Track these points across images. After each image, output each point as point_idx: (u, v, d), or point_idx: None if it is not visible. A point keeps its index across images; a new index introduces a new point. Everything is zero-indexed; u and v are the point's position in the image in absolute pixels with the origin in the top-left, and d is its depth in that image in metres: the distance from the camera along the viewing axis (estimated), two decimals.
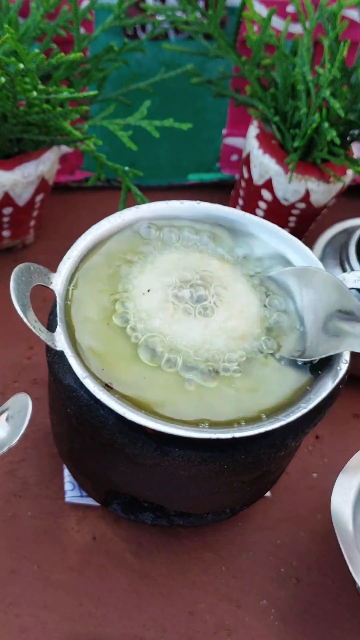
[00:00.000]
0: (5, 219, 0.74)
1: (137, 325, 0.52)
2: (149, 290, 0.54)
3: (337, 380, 0.52)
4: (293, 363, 0.53)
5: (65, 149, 0.81)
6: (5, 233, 0.76)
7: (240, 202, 0.81)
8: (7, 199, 0.71)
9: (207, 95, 0.83)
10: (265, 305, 0.55)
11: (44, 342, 0.49)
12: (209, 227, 0.59)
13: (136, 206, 0.58)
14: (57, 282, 0.53)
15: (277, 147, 0.75)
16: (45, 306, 0.55)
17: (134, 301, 0.54)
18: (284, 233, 0.59)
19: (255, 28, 0.76)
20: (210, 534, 0.63)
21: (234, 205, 0.83)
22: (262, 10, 0.76)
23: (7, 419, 0.49)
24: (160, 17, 0.76)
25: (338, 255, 0.73)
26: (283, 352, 0.54)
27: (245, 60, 0.76)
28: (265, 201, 0.77)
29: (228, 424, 0.50)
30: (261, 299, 0.56)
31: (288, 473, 0.67)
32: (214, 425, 0.50)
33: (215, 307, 0.53)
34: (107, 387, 0.49)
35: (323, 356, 0.53)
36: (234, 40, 0.78)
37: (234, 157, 0.87)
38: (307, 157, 0.74)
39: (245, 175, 0.78)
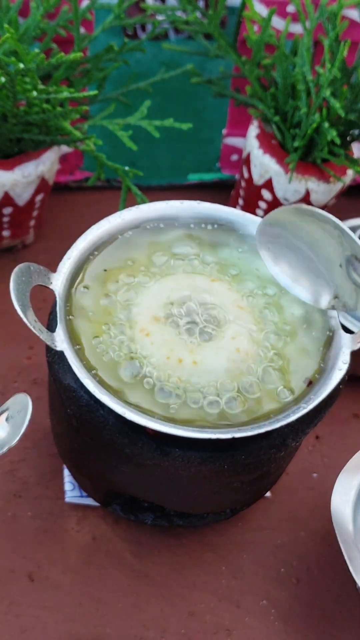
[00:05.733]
0: (5, 219, 0.74)
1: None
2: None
3: (337, 380, 0.52)
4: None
5: (65, 149, 0.81)
6: (5, 233, 0.76)
7: (241, 202, 0.81)
8: (7, 199, 0.71)
9: (207, 95, 0.83)
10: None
11: (44, 342, 0.49)
12: (209, 234, 0.58)
13: (136, 206, 0.58)
14: (57, 282, 0.53)
15: (277, 147, 0.75)
16: (45, 306, 0.55)
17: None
18: None
19: (256, 28, 0.76)
20: (210, 534, 0.63)
21: (234, 205, 0.83)
22: (262, 10, 0.76)
23: (7, 419, 0.49)
24: (160, 17, 0.76)
25: None
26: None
27: (245, 60, 0.76)
28: (265, 201, 0.77)
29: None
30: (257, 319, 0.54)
31: (288, 473, 0.67)
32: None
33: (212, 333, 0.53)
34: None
35: None
36: (234, 40, 0.78)
37: (234, 157, 0.87)
38: (307, 157, 0.74)
39: (246, 175, 0.78)
